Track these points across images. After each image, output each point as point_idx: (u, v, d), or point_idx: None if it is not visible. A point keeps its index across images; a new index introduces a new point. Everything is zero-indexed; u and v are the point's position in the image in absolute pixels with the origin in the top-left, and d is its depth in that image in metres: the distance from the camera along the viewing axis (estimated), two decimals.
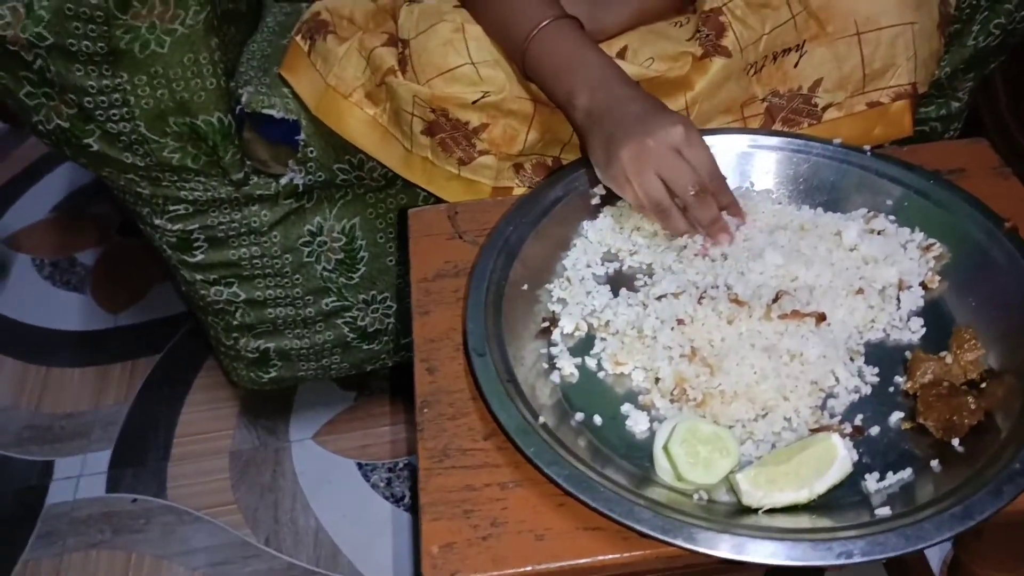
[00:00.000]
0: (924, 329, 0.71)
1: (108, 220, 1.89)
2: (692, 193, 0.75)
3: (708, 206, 0.76)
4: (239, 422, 1.44)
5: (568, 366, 0.71)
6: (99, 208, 1.93)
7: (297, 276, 1.16)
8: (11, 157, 2.17)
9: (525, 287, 0.76)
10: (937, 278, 0.74)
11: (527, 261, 0.78)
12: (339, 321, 1.22)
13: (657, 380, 0.69)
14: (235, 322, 1.20)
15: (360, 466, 1.37)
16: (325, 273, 1.17)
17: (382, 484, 1.35)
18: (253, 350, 1.23)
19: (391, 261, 1.19)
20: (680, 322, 0.69)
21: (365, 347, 1.26)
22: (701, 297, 0.71)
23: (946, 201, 0.77)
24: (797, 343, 0.67)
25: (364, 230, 1.15)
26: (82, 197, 1.99)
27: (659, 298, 0.72)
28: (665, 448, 0.63)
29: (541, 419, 0.65)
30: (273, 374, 1.26)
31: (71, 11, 0.90)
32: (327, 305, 1.20)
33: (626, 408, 0.68)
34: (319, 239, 1.14)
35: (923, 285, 0.74)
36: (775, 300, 0.70)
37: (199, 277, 1.15)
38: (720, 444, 0.63)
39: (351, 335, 1.23)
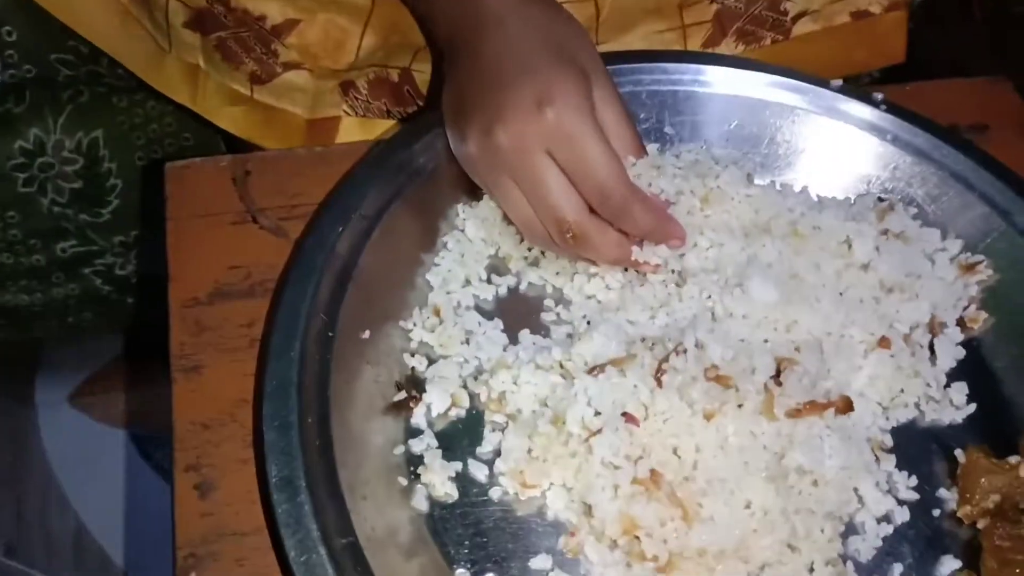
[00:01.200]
0: (973, 405, 0.48)
1: None
2: (617, 192, 0.45)
3: (645, 204, 0.47)
4: None
5: (440, 480, 0.43)
6: None
7: (12, 213, 0.78)
8: None
9: (367, 334, 0.46)
10: (982, 314, 0.51)
11: (370, 277, 0.47)
12: (86, 271, 0.85)
13: (590, 511, 0.42)
14: None
15: (137, 439, 1.04)
16: (56, 209, 0.79)
17: (168, 463, 1.04)
18: None
19: None
20: (629, 419, 0.42)
21: (130, 300, 0.90)
22: (660, 371, 0.43)
23: (987, 186, 0.53)
24: (812, 453, 0.42)
25: (113, 148, 0.77)
26: None
27: (591, 370, 0.44)
28: None
29: None
30: None
31: None
32: (65, 251, 0.82)
33: (540, 563, 0.42)
34: (41, 161, 0.76)
35: (960, 323, 0.50)
36: (776, 376, 0.44)
37: None
38: None
39: (106, 287, 0.87)
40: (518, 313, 0.49)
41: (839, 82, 0.57)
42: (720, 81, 0.56)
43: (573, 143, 0.45)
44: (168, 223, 0.52)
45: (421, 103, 0.63)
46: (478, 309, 0.49)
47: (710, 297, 0.47)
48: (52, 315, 0.90)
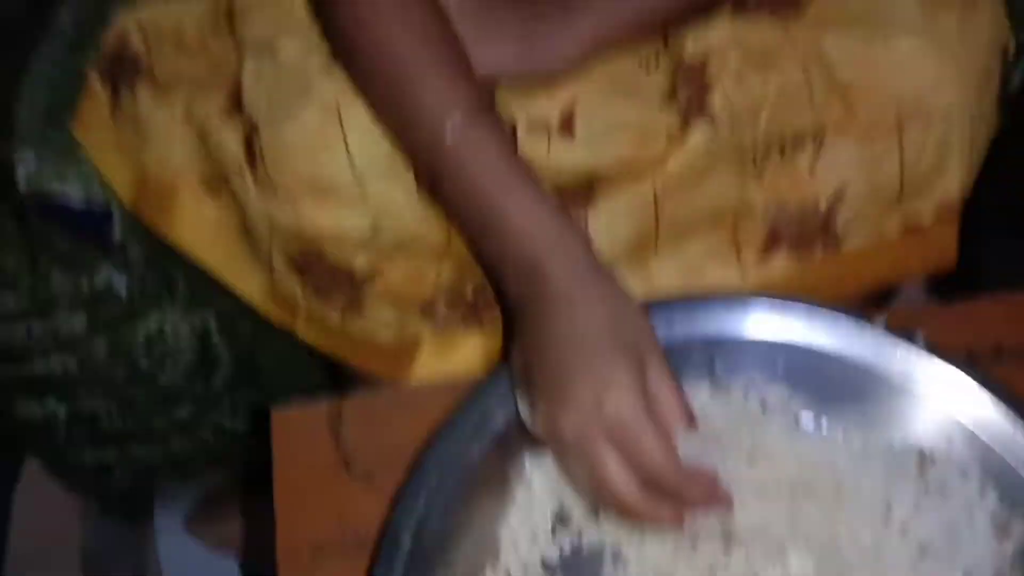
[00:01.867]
0: None
1: None
2: (669, 477, 0.50)
3: (694, 481, 0.52)
4: (87, 508, 1.15)
5: None
6: None
7: (134, 389, 0.88)
8: None
9: None
10: None
11: (456, 541, 0.54)
12: (201, 430, 0.95)
13: None
14: (58, 438, 0.92)
15: (245, 566, 1.11)
16: (175, 381, 0.89)
17: None
18: (87, 463, 0.95)
19: (269, 355, 0.91)
20: None
21: (244, 445, 1.00)
22: None
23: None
24: None
25: (223, 332, 0.86)
26: None
27: None
28: None
29: None
30: (121, 485, 0.99)
31: None
32: (181, 415, 0.92)
33: None
34: (160, 348, 0.85)
35: None
36: None
37: None
38: None
39: (220, 441, 0.97)
40: (579, 573, 0.55)
41: (883, 318, 0.59)
42: (765, 322, 0.60)
43: (628, 432, 0.50)
44: (275, 467, 0.60)
45: (497, 314, 0.68)
46: (543, 567, 0.55)
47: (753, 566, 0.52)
48: (171, 467, 0.99)
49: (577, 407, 0.50)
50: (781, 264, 0.68)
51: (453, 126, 0.56)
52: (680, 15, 0.65)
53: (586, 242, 0.57)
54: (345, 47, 0.61)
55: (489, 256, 0.58)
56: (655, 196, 0.66)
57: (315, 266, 0.65)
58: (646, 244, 0.68)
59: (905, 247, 0.68)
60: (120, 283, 0.78)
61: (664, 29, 0.66)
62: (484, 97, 0.59)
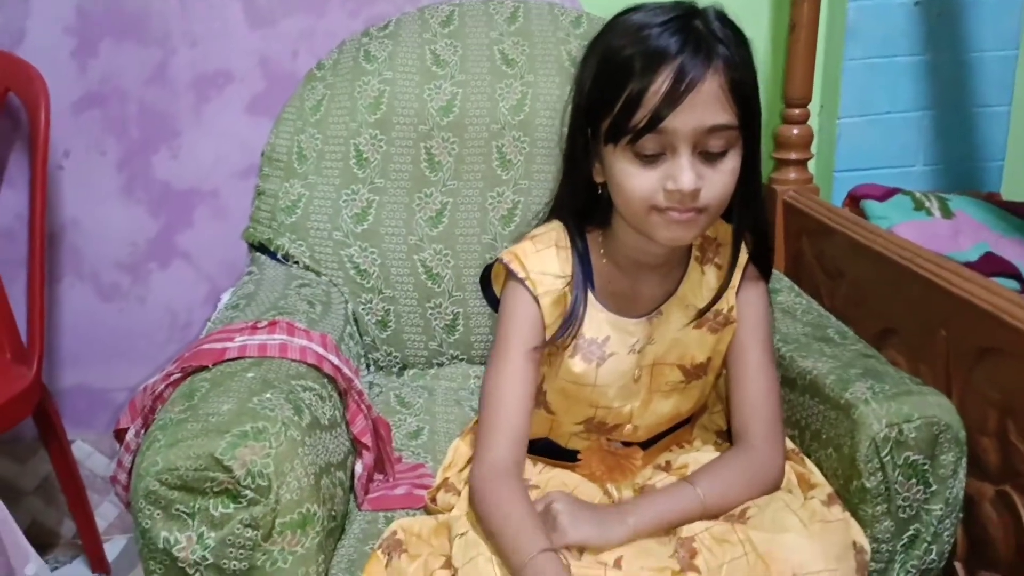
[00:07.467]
0: None
1: None
2: None
3: None
4: None
5: None
6: None
7: None
8: None
9: None
10: None
11: None
12: None
13: None
14: None
15: None
16: None
17: None
18: None
19: None
20: None
21: None
22: None
23: None
24: None
25: None
26: None
27: None
28: None
29: None
30: None
31: (230, 541, 1.27)
32: None
33: None
34: None
35: None
36: None
37: None
38: None
39: None
40: None
41: None
42: None
43: None
44: None
45: None
46: None
47: None
48: None
49: None
50: None
51: (533, 558, 1.19)
52: (683, 522, 1.32)
53: None
54: (482, 513, 1.27)
55: None
56: None
57: None
58: None
59: None
60: None
61: (673, 527, 1.33)
62: (550, 546, 1.18)
